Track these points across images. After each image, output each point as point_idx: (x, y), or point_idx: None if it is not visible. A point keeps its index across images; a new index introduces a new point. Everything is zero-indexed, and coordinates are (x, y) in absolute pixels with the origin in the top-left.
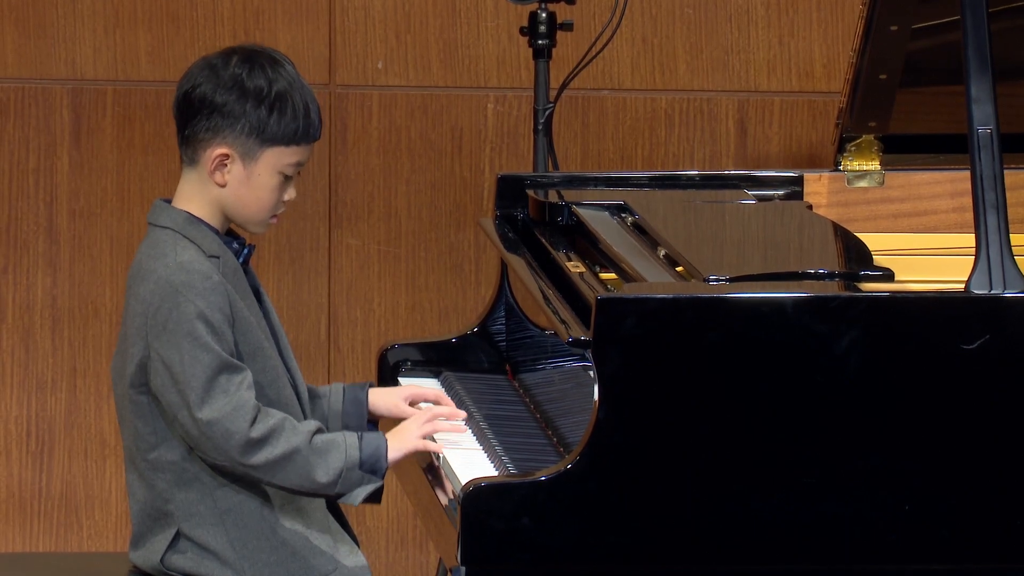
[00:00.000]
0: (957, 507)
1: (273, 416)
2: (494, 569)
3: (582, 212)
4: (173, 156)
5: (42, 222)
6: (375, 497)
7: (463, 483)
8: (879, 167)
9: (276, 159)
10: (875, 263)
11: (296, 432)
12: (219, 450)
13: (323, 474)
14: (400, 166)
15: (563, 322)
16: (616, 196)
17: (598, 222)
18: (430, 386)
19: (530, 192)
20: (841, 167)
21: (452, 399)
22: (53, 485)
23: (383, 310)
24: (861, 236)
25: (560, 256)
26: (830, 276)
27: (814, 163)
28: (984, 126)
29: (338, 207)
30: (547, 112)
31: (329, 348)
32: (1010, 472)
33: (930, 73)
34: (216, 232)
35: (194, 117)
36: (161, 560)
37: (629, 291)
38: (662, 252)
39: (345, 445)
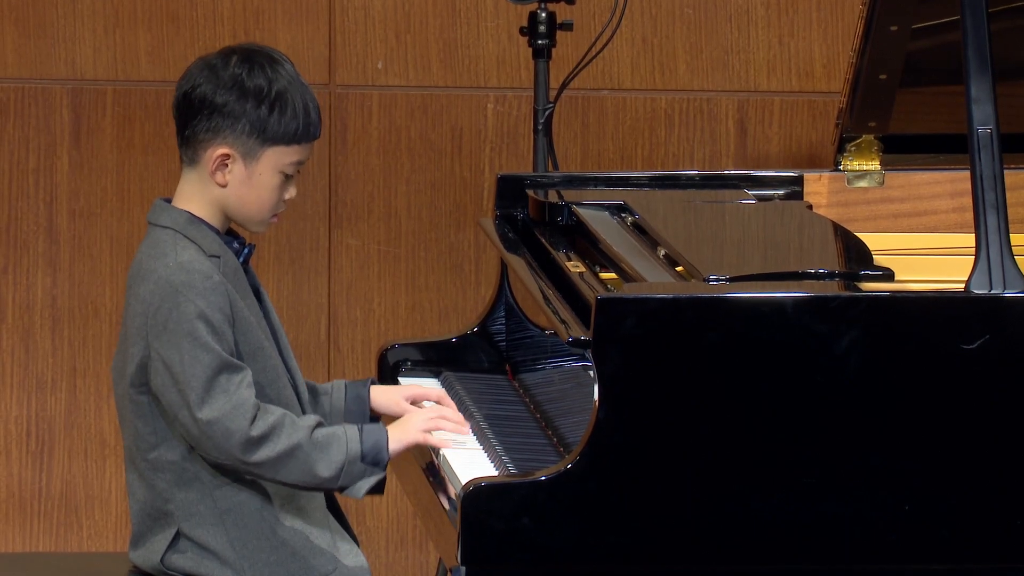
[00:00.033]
0: (957, 507)
1: (273, 413)
2: (494, 569)
3: (582, 212)
4: (173, 156)
5: (42, 222)
6: (378, 488)
7: (463, 483)
8: (879, 167)
9: (277, 158)
10: (875, 263)
11: (296, 428)
12: (220, 449)
13: (325, 468)
14: (400, 166)
15: (563, 322)
16: (616, 196)
17: (598, 222)
18: (430, 386)
19: (530, 192)
20: (841, 167)
21: (452, 399)
22: (53, 485)
23: (383, 310)
24: (861, 236)
25: (560, 256)
26: (830, 276)
27: (814, 163)
28: (984, 126)
29: (338, 207)
30: (547, 112)
31: (329, 348)
32: (1010, 472)
33: (930, 73)
34: (216, 232)
35: (194, 117)
36: (161, 560)
37: (629, 291)
38: (662, 252)
39: (346, 438)
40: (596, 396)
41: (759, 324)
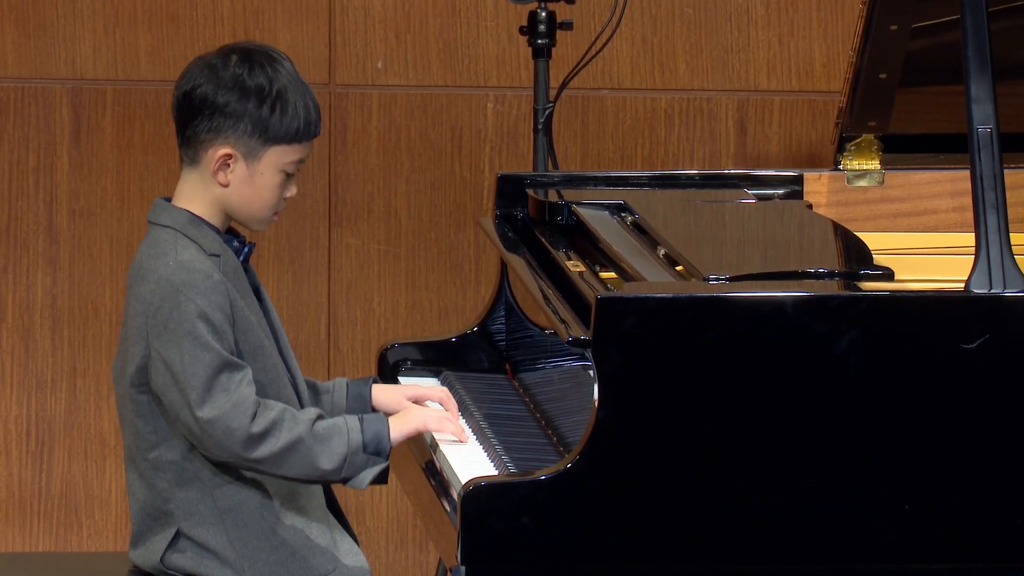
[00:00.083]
0: (957, 507)
1: (273, 408)
2: (494, 569)
3: (582, 212)
4: (173, 156)
5: (42, 222)
6: (382, 478)
7: (463, 483)
8: (879, 167)
9: (278, 157)
10: (875, 263)
11: (297, 422)
12: (222, 447)
13: (327, 461)
14: (400, 166)
15: (563, 321)
16: (616, 196)
17: (598, 221)
18: (430, 386)
19: (530, 192)
20: (841, 167)
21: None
22: (53, 485)
23: (383, 310)
24: (861, 236)
25: (560, 256)
26: (830, 275)
27: (814, 163)
28: (984, 126)
29: (338, 207)
30: (547, 112)
31: (329, 348)
32: (1010, 472)
33: (930, 73)
34: (217, 231)
35: (195, 118)
36: (161, 559)
37: (629, 290)
38: (662, 252)
39: (347, 429)
40: (596, 396)
41: (759, 324)
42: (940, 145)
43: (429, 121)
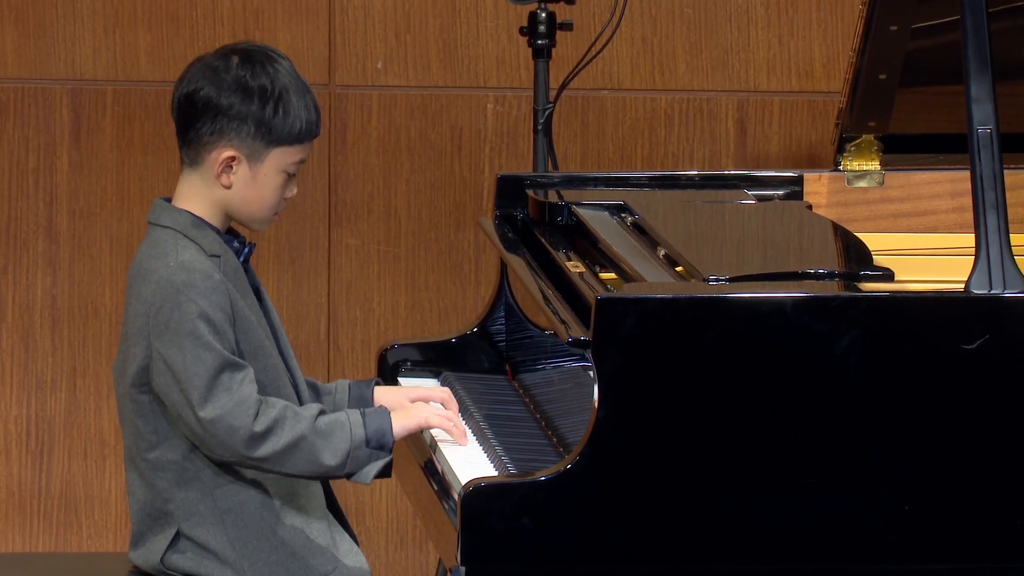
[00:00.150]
0: (957, 507)
1: (275, 406)
2: (494, 569)
3: (582, 212)
4: (173, 156)
5: (42, 222)
6: (386, 472)
7: (463, 483)
8: (879, 167)
9: (281, 158)
10: (875, 263)
11: (299, 418)
12: (225, 447)
13: (330, 456)
14: (400, 166)
15: (563, 322)
16: (616, 196)
17: (598, 222)
18: (430, 386)
19: (530, 192)
20: (841, 167)
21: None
22: (53, 485)
23: (383, 310)
24: (861, 236)
25: (560, 256)
26: (830, 276)
27: (814, 163)
28: (984, 126)
29: (338, 207)
30: (547, 112)
31: (329, 348)
32: (1010, 472)
33: (930, 73)
34: (217, 231)
35: (198, 120)
36: (161, 560)
37: (629, 291)
38: (662, 252)
39: (349, 424)
40: (596, 396)
41: (759, 324)
42: (940, 145)
43: (429, 121)
